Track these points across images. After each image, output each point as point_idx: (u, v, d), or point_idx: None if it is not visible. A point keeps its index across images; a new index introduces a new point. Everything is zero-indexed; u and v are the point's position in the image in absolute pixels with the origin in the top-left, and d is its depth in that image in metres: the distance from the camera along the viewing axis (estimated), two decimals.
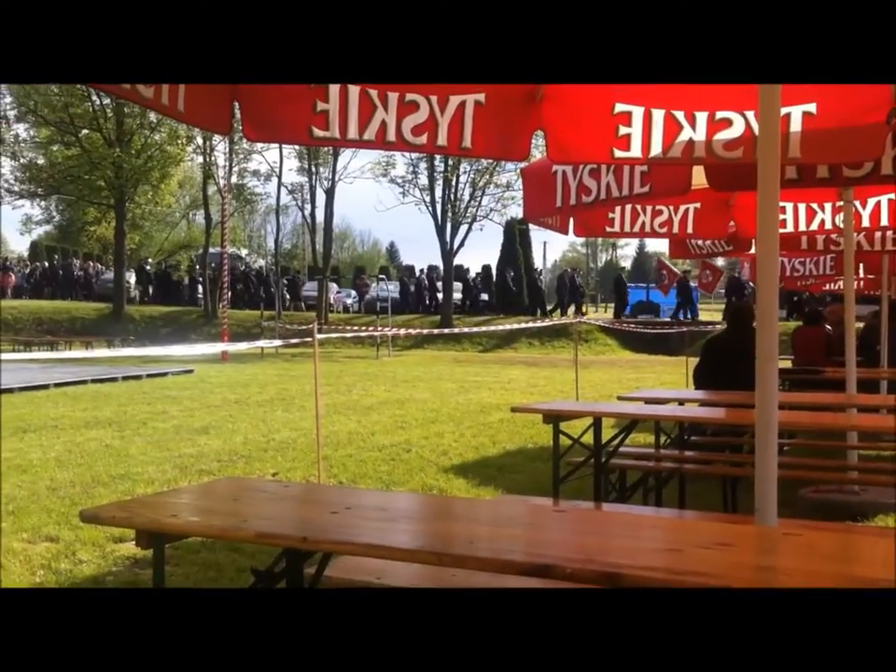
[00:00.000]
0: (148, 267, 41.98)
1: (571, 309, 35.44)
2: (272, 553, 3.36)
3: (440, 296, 36.56)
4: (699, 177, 4.97)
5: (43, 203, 43.83)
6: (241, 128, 3.39)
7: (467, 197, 35.61)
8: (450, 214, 35.28)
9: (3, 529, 5.79)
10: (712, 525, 3.43)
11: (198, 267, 40.56)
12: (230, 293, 34.40)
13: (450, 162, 34.40)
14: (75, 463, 8.21)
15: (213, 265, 35.98)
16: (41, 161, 38.33)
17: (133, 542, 5.18)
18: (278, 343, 14.28)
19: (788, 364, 10.26)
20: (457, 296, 37.52)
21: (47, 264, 43.22)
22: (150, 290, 40.41)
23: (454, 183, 35.46)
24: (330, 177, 36.78)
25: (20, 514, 6.19)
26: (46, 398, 13.79)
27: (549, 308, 36.73)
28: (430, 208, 35.43)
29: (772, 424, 3.14)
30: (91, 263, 43.91)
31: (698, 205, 6.19)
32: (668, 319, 31.92)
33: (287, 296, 38.41)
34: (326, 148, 35.07)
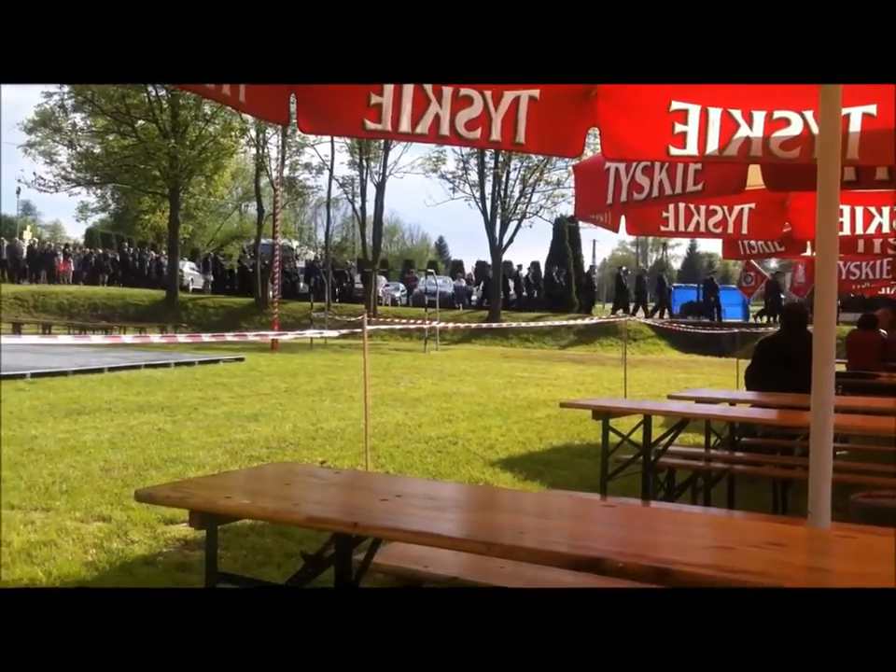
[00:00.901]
0: (223, 260, 42.09)
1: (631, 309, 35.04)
2: (319, 538, 3.41)
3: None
4: (755, 178, 4.92)
5: (99, 191, 44.62)
6: (295, 120, 3.43)
7: (517, 194, 35.51)
8: (499, 210, 35.20)
9: (57, 508, 5.92)
10: (764, 524, 3.41)
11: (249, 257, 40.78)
12: (306, 286, 34.24)
13: (500, 159, 34.29)
14: (128, 445, 8.37)
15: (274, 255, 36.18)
16: (97, 150, 38.92)
17: (184, 524, 5.33)
18: (332, 333, 14.41)
19: (842, 368, 10.11)
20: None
21: (101, 250, 43.83)
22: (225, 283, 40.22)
23: (504, 179, 35.36)
24: (381, 171, 36.91)
25: (73, 494, 6.32)
26: (100, 381, 14.06)
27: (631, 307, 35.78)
28: (480, 204, 35.41)
29: (828, 426, 3.11)
30: (159, 254, 44.36)
31: (753, 206, 6.13)
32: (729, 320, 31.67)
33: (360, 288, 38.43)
34: (377, 143, 35.20)
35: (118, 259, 42.18)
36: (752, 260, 15.82)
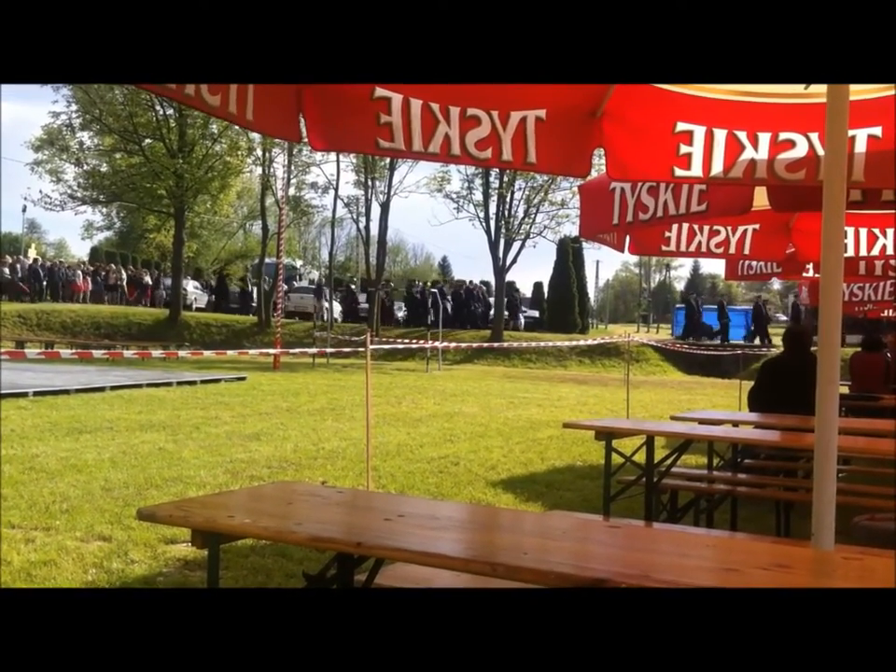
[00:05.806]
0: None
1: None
2: (320, 559, 3.39)
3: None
4: (760, 198, 4.92)
5: (104, 209, 44.68)
6: (306, 138, 3.43)
7: (521, 214, 35.57)
8: (503, 230, 35.25)
9: (57, 527, 5.90)
10: (769, 546, 3.38)
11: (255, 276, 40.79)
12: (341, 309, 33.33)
13: (505, 179, 34.39)
14: (129, 464, 8.35)
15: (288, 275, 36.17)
16: (104, 169, 39.01)
17: (184, 544, 5.31)
18: (333, 350, 14.39)
19: (845, 390, 10.09)
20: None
21: (112, 266, 43.64)
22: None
23: (508, 199, 35.44)
24: (386, 191, 37.02)
25: (74, 513, 6.30)
26: (101, 400, 14.03)
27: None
28: (484, 224, 35.44)
29: (831, 447, 3.09)
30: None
31: (757, 227, 6.13)
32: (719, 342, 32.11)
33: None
34: (382, 162, 35.35)
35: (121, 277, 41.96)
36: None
